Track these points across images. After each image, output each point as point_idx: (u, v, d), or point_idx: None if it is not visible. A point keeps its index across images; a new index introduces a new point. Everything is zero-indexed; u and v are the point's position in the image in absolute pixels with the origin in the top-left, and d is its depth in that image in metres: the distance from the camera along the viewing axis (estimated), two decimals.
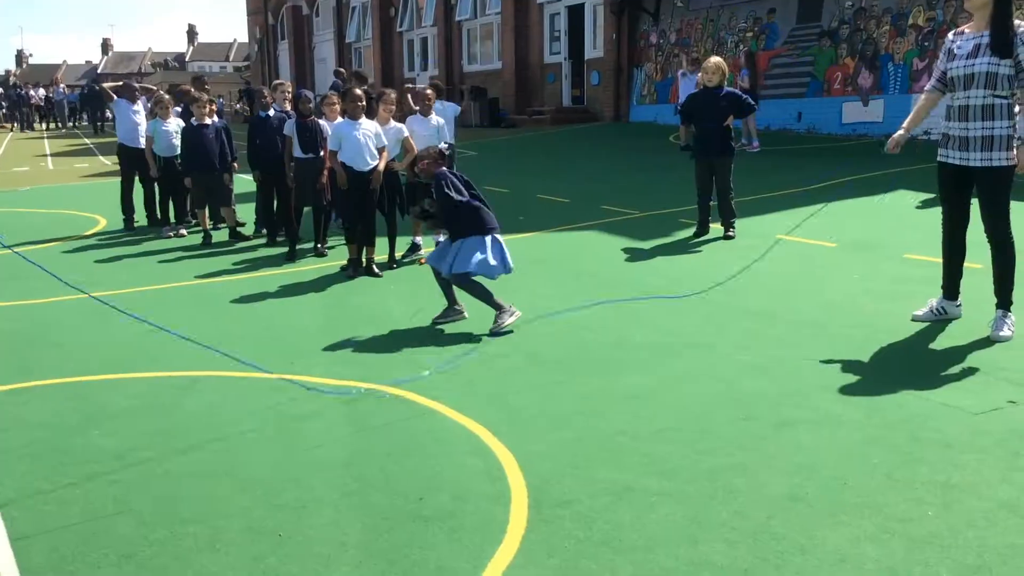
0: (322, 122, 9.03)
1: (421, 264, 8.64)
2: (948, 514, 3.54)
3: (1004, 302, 5.66)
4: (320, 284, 8.08)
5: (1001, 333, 5.56)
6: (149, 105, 11.88)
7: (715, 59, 9.42)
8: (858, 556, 3.26)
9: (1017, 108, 5.52)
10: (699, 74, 10.01)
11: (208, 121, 10.24)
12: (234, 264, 9.15)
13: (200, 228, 10.56)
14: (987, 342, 5.54)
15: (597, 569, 3.24)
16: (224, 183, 10.37)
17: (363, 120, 8.14)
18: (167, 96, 11.28)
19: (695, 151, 9.37)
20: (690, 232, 9.46)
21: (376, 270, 8.24)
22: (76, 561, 3.42)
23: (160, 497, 3.93)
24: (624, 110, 24.41)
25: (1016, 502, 3.60)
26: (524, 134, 23.87)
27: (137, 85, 12.49)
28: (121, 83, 12.54)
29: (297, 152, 9.01)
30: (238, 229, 10.57)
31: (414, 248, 9.00)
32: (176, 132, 10.69)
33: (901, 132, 5.88)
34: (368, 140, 8.07)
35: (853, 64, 17.95)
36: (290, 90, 10.23)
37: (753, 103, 9.63)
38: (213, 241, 10.33)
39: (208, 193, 10.32)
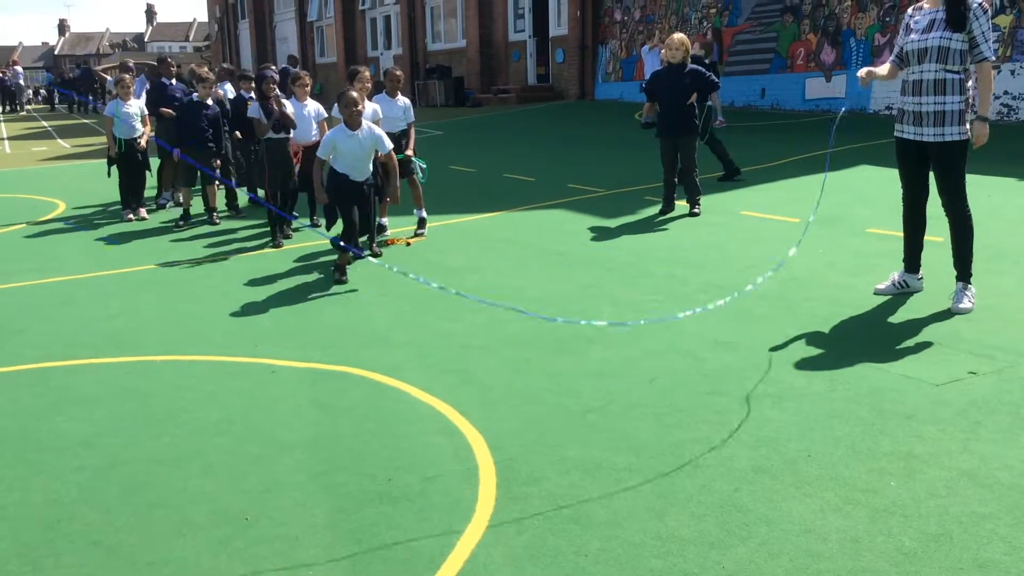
0: (284, 100, 8.91)
1: (389, 244, 8.59)
2: (910, 484, 3.60)
3: (963, 275, 5.74)
4: (285, 266, 8.02)
5: (961, 305, 5.63)
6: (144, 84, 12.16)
7: (679, 35, 9.34)
8: (822, 526, 3.31)
9: (970, 83, 5.58)
10: (662, 50, 9.98)
11: (210, 101, 10.11)
12: (200, 246, 9.05)
13: (181, 206, 10.46)
14: (948, 314, 5.62)
15: (565, 545, 3.27)
16: (213, 165, 10.24)
17: (361, 127, 7.37)
18: (127, 76, 11.08)
19: (659, 129, 9.37)
20: (656, 209, 9.49)
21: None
22: (41, 548, 3.39)
23: (126, 483, 3.90)
24: (589, 88, 24.38)
25: (976, 471, 3.67)
26: (489, 113, 23.78)
27: (131, 64, 12.27)
28: (117, 64, 12.42)
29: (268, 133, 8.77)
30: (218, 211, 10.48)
31: (380, 229, 8.95)
32: (136, 115, 10.51)
33: (873, 69, 5.73)
34: (366, 151, 7.39)
35: (816, 40, 18.04)
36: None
37: (716, 80, 9.61)
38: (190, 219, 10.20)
39: (196, 172, 10.16)
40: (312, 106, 9.00)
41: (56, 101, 39.50)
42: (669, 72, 9.21)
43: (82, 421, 4.60)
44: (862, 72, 5.77)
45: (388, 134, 8.45)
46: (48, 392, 5.07)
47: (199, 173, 10.10)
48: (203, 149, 9.92)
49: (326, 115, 8.98)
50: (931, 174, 5.83)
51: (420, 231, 8.88)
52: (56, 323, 6.47)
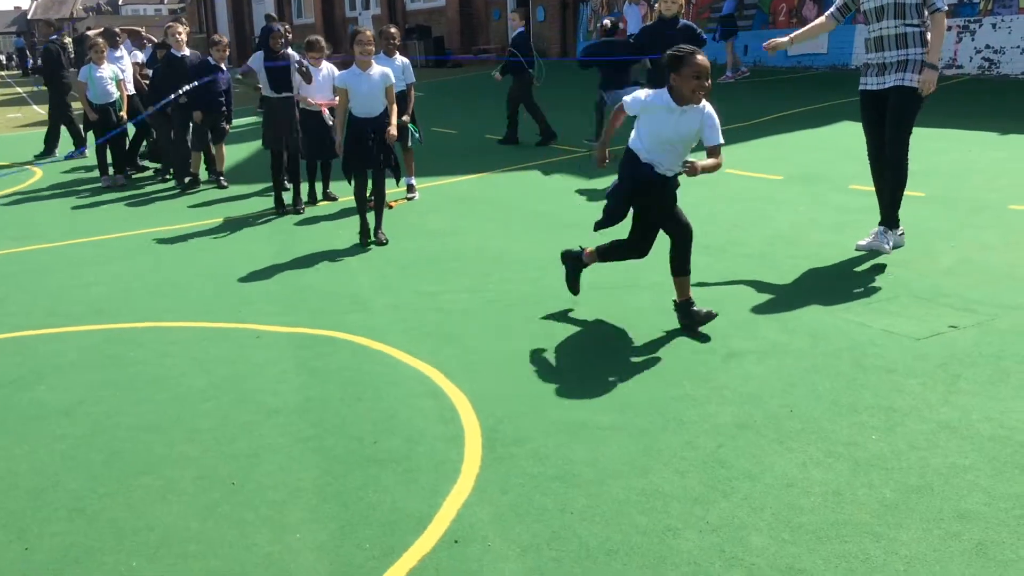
0: (294, 54, 8.72)
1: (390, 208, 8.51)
2: (891, 437, 3.63)
3: (889, 222, 5.85)
4: (267, 232, 7.97)
5: (871, 241, 5.80)
6: (133, 49, 12.13)
7: None
8: (805, 480, 3.34)
9: (930, 35, 5.64)
10: (642, 4, 9.84)
11: (224, 66, 9.93)
12: (180, 213, 8.97)
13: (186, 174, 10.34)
14: (930, 270, 5.64)
15: (551, 503, 3.29)
16: (223, 128, 10.12)
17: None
18: (101, 40, 10.89)
19: (649, 84, 9.25)
20: None
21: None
22: (26, 517, 3.38)
23: (109, 450, 3.89)
24: (571, 46, 24.18)
25: (956, 423, 3.70)
26: (470, 73, 23.57)
27: (118, 30, 12.04)
28: (102, 29, 12.21)
29: (267, 91, 8.56)
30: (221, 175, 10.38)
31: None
32: (111, 79, 10.36)
33: (785, 39, 6.01)
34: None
35: None
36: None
37: (705, 38, 9.39)
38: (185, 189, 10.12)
39: (208, 135, 10.04)
40: (326, 68, 8.73)
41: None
42: (661, 26, 9.01)
43: (64, 390, 4.58)
44: (767, 45, 5.97)
45: None
46: (29, 361, 5.03)
47: (209, 136, 10.03)
48: (216, 112, 9.82)
49: None
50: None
51: (410, 195, 8.83)
52: (35, 292, 6.41)
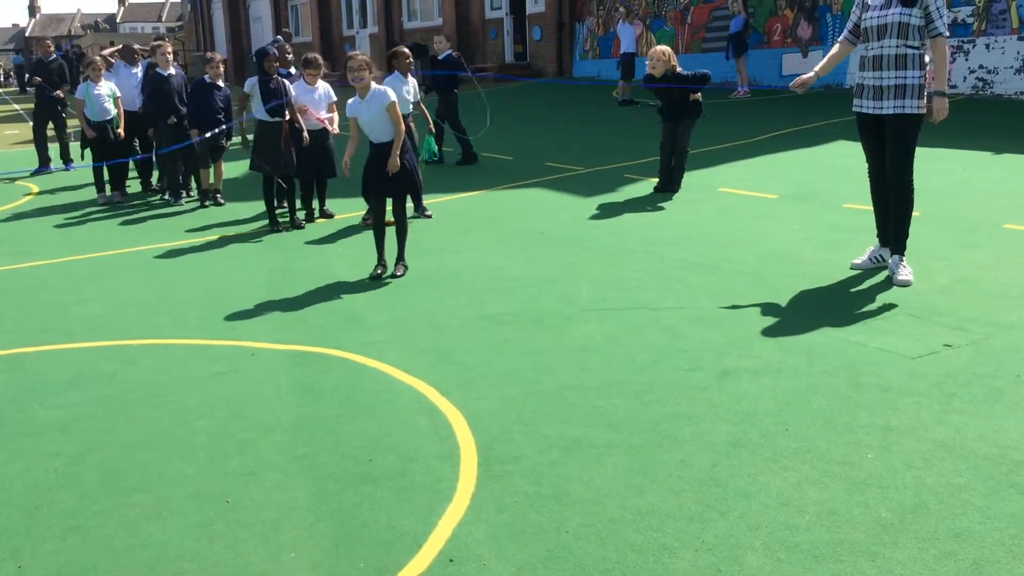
0: (286, 82, 8.73)
1: (368, 224, 8.52)
2: (887, 456, 3.63)
3: (899, 248, 5.85)
4: (261, 249, 7.97)
5: (902, 277, 5.75)
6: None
7: (660, 47, 9.10)
8: (800, 499, 3.34)
9: (928, 58, 5.66)
10: (636, 24, 9.90)
11: (221, 83, 9.93)
12: (175, 230, 8.97)
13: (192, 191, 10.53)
14: (925, 289, 5.66)
15: (546, 522, 3.28)
16: (222, 144, 10.12)
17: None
18: (98, 58, 10.93)
19: (662, 114, 9.23)
20: (633, 187, 9.49)
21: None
22: (20, 535, 3.37)
23: (104, 468, 3.88)
24: (567, 65, 24.29)
25: (952, 442, 3.71)
26: (466, 92, 23.64)
27: (137, 47, 12.04)
28: (121, 46, 12.24)
29: (260, 114, 8.50)
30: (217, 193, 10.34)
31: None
32: (108, 96, 10.38)
33: (811, 75, 5.99)
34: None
35: (792, 15, 18.04)
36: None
37: (704, 74, 9.27)
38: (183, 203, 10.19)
39: (211, 152, 10.03)
40: (322, 87, 8.88)
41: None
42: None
43: (58, 407, 4.57)
44: (795, 83, 6.00)
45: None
46: (23, 378, 5.03)
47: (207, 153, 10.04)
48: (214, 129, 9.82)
49: (335, 98, 8.90)
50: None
51: (426, 213, 8.82)
52: (30, 308, 6.40)
